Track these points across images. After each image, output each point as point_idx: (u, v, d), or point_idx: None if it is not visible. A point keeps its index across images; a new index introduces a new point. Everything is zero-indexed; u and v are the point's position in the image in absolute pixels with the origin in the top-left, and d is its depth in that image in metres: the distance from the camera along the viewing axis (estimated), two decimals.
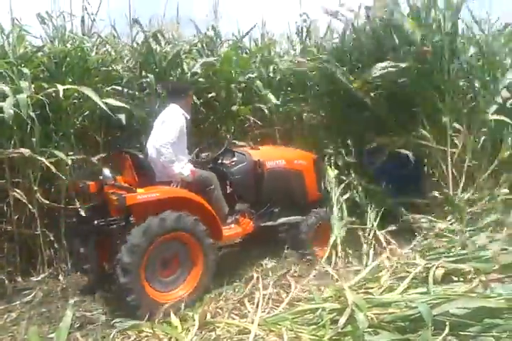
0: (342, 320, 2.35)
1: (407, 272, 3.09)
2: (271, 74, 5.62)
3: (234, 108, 5.16)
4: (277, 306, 2.82)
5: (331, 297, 2.79)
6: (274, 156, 4.04)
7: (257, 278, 3.17)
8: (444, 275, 2.96)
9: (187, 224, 3.11)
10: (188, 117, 3.58)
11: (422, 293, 2.76)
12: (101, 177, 3.27)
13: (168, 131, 3.37)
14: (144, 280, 2.96)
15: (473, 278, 2.82)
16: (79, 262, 3.38)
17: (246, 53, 5.73)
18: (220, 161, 3.85)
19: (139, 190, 3.06)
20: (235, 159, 3.83)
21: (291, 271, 3.54)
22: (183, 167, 3.40)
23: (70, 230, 3.86)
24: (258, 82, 5.27)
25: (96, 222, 3.13)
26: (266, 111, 5.35)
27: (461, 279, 2.98)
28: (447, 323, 2.24)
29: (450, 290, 2.73)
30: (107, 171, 3.26)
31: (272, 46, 5.88)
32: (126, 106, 4.16)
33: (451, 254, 3.43)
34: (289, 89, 5.85)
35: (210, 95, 5.14)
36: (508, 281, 2.86)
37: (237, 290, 3.21)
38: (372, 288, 2.96)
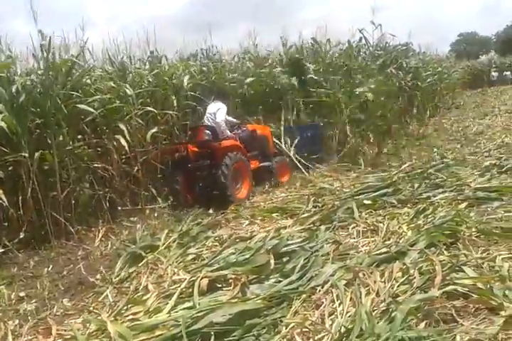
0: None
1: (175, 289, 3.18)
2: None
3: None
4: None
5: (96, 331, 2.70)
6: (256, 128, 7.56)
7: None
8: (210, 284, 3.18)
9: (241, 157, 6.49)
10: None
11: (189, 307, 2.91)
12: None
13: (222, 114, 6.73)
14: (231, 182, 6.20)
15: (236, 283, 3.11)
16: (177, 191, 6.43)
17: None
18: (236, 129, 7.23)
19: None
20: (243, 129, 7.30)
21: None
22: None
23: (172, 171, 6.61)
24: None
25: (195, 163, 6.41)
26: None
27: (225, 285, 3.25)
28: (212, 333, 2.47)
29: (216, 299, 2.96)
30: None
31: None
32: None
33: (213, 261, 3.69)
34: None
35: None
36: (263, 280, 3.27)
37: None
38: (139, 312, 2.95)
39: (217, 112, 6.71)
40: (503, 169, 6.04)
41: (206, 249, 4.22)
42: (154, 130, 6.64)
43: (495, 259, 3.22)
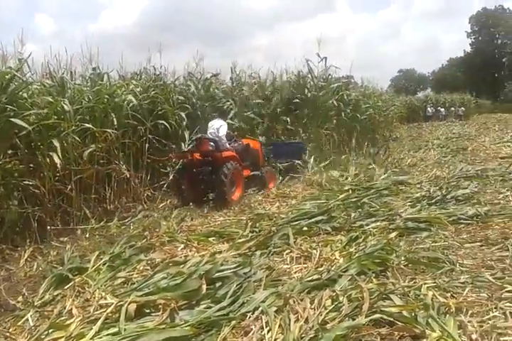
0: None
1: (101, 314, 3.07)
2: None
3: None
4: None
5: None
6: (250, 142, 8.84)
7: None
8: (138, 310, 3.10)
9: (237, 166, 7.69)
10: None
11: (114, 333, 2.82)
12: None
13: (224, 129, 7.97)
14: (229, 186, 7.48)
15: (165, 309, 3.04)
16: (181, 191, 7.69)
17: None
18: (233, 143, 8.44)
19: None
20: (239, 142, 8.56)
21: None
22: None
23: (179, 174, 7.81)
24: None
25: (198, 169, 7.64)
26: None
27: (154, 311, 3.17)
28: None
29: (142, 325, 2.88)
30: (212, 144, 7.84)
31: None
32: None
33: (143, 286, 3.60)
34: None
35: None
36: (194, 306, 3.23)
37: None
38: (60, 338, 2.82)
39: (219, 128, 7.94)
40: (433, 200, 6.34)
41: (137, 273, 4.10)
42: (92, 148, 6.50)
43: (420, 288, 3.34)
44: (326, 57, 13.01)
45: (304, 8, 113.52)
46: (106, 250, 4.90)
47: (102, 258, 4.53)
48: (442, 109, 37.88)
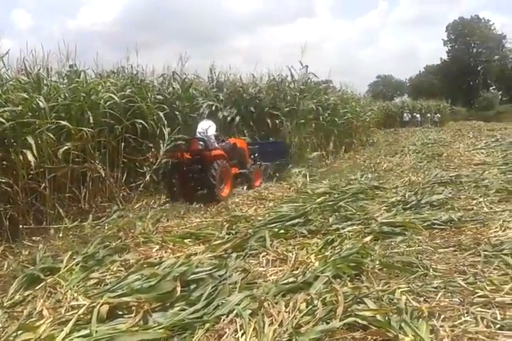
0: None
1: (72, 315, 3.01)
2: None
3: None
4: None
5: None
6: (236, 141, 9.23)
7: None
8: (111, 311, 3.06)
9: (225, 164, 8.14)
10: None
11: (85, 335, 2.78)
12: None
13: (212, 129, 8.47)
14: (218, 183, 7.87)
15: (138, 311, 3.00)
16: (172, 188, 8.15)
17: None
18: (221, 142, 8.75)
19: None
20: (226, 142, 8.89)
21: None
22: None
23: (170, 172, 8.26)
24: None
25: (188, 167, 8.04)
26: None
27: (127, 313, 3.13)
28: None
29: (115, 327, 2.84)
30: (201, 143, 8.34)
31: None
32: None
33: (117, 287, 3.55)
34: None
35: None
36: (168, 308, 3.20)
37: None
38: (29, 339, 2.75)
39: (208, 128, 8.44)
40: (408, 205, 6.42)
41: (110, 274, 4.04)
42: (67, 147, 6.39)
43: (394, 292, 3.37)
44: (307, 66, 13.26)
45: (284, 12, 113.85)
46: (79, 250, 4.82)
47: (75, 259, 4.46)
48: (418, 115, 38.50)
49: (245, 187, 9.07)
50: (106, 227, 6.09)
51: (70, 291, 3.65)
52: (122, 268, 4.19)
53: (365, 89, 65.16)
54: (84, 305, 3.14)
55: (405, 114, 37.72)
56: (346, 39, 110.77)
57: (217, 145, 8.45)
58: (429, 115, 39.55)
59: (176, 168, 8.15)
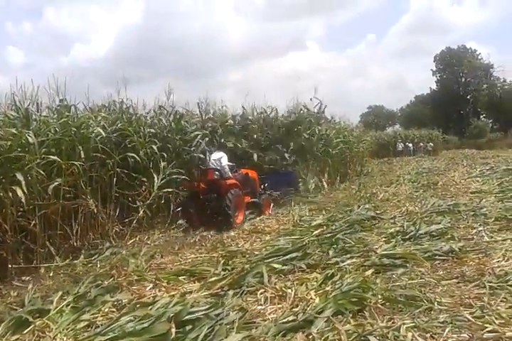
0: None
1: None
2: None
3: None
4: None
5: None
6: (248, 171, 9.80)
7: None
8: None
9: (239, 193, 8.72)
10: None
11: None
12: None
13: (225, 160, 9.03)
14: (233, 210, 8.48)
15: None
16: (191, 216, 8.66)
17: None
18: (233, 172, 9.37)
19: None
20: (239, 172, 9.58)
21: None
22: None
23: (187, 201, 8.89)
24: None
25: (204, 196, 8.64)
26: None
27: None
28: None
29: None
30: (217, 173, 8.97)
31: None
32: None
33: (108, 329, 3.39)
34: None
35: None
36: None
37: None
38: None
39: (221, 159, 9.02)
40: (407, 236, 6.32)
41: (102, 315, 3.87)
42: (57, 182, 6.30)
43: (399, 328, 3.24)
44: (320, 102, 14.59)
45: (275, 46, 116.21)
46: (70, 290, 4.66)
47: (65, 299, 4.29)
48: (411, 145, 38.89)
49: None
50: (98, 265, 5.94)
51: (59, 335, 3.50)
52: (114, 309, 4.02)
53: (356, 119, 66.04)
54: None
55: (398, 144, 38.09)
56: (337, 70, 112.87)
57: (231, 174, 8.99)
58: (421, 144, 39.95)
59: (193, 197, 8.76)
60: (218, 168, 8.87)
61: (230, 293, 4.27)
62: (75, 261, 6.10)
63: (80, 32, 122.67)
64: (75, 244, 6.86)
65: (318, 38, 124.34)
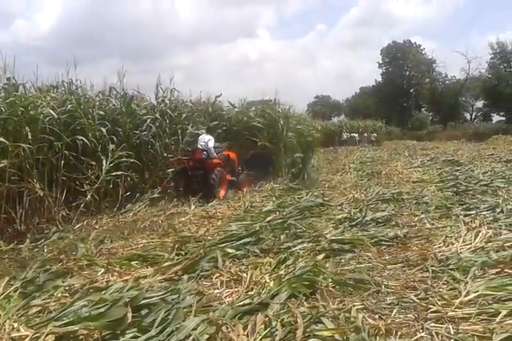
0: None
1: None
2: None
3: None
4: None
5: None
6: (229, 153, 11.02)
7: None
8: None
9: (222, 171, 10.17)
10: None
11: None
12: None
13: (212, 142, 10.24)
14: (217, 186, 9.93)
15: (87, 340, 2.82)
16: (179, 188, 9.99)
17: None
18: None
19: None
20: (222, 153, 10.66)
21: None
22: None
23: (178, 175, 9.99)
24: None
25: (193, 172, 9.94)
26: None
27: None
28: None
29: None
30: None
31: None
32: None
33: (62, 315, 3.32)
34: None
35: None
36: (119, 336, 3.05)
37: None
38: None
39: (208, 141, 10.20)
40: (354, 222, 6.55)
41: (54, 301, 3.76)
42: (3, 164, 6.04)
43: (350, 310, 3.39)
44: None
45: (225, 32, 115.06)
46: (17, 275, 4.49)
47: (12, 284, 4.15)
48: (356, 135, 39.82)
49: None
50: (45, 250, 5.75)
51: (8, 321, 3.36)
52: (67, 294, 3.93)
53: (304, 108, 66.73)
54: (27, 335, 2.93)
55: (344, 134, 38.91)
56: (286, 59, 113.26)
57: (216, 155, 10.22)
58: (366, 134, 40.99)
59: (182, 173, 9.94)
60: (205, 149, 10.15)
61: (185, 277, 4.30)
62: (21, 246, 5.87)
63: (22, 9, 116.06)
64: (19, 228, 6.59)
65: (270, 26, 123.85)
